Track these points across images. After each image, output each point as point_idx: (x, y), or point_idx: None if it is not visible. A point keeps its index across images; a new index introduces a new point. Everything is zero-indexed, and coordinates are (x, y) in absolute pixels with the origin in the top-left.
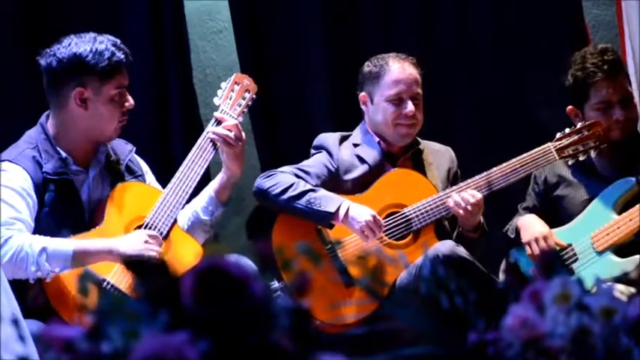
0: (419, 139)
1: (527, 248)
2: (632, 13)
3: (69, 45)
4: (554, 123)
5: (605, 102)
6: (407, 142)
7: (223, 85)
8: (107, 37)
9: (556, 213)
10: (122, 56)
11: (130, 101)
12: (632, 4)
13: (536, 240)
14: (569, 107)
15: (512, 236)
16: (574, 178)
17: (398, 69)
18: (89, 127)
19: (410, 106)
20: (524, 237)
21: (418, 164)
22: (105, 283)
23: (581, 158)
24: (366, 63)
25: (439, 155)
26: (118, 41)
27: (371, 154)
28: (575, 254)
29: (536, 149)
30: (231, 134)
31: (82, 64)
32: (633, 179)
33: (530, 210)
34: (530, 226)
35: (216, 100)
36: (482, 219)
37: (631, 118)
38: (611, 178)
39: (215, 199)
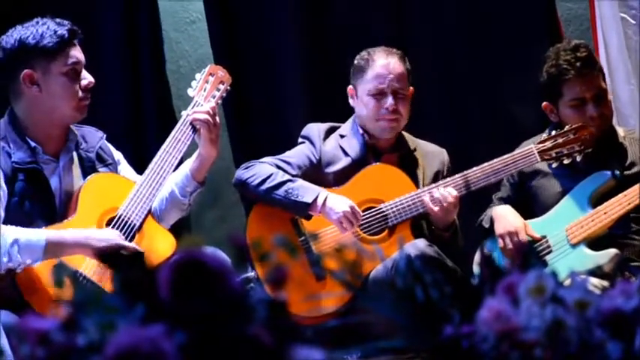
0: (411, 138)
1: (500, 241)
2: (605, 4)
3: (12, 33)
4: (529, 118)
5: (579, 99)
6: (390, 136)
7: (198, 76)
8: (50, 18)
9: (530, 204)
10: (65, 32)
11: (89, 78)
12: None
13: (509, 234)
14: (545, 103)
15: (487, 226)
16: (550, 169)
17: (381, 63)
18: (48, 108)
19: (390, 100)
20: (498, 229)
21: (406, 164)
22: (77, 275)
23: (565, 162)
24: (357, 56)
25: (430, 157)
26: (64, 21)
27: (355, 147)
28: (549, 246)
29: (518, 150)
30: (210, 118)
31: (25, 47)
32: (609, 173)
33: (504, 200)
34: (505, 219)
35: (190, 92)
36: (456, 220)
37: (605, 114)
38: (587, 170)
39: (191, 179)
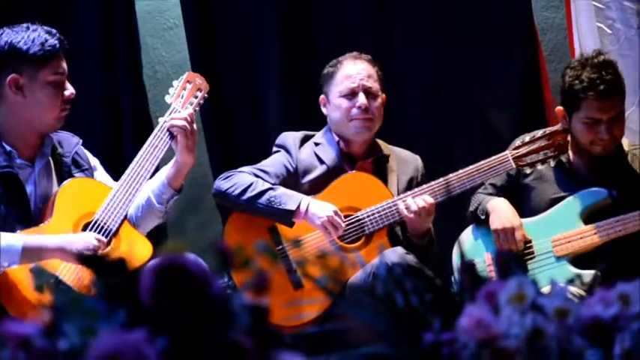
0: (385, 145)
1: (495, 237)
2: (582, 13)
3: (1, 35)
4: (505, 124)
5: (594, 119)
6: (365, 137)
7: (175, 83)
8: (41, 26)
9: (521, 201)
10: (56, 42)
11: (71, 90)
12: (582, 4)
13: (505, 230)
14: (559, 108)
15: (483, 218)
16: (550, 171)
17: (350, 65)
18: (29, 115)
19: (362, 98)
20: (494, 223)
21: (380, 170)
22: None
23: (539, 167)
24: (326, 66)
25: (404, 164)
26: (53, 30)
27: (329, 155)
28: (532, 252)
29: (493, 157)
30: (187, 124)
31: (14, 51)
32: (605, 191)
33: (497, 188)
34: (502, 214)
35: (167, 99)
36: (431, 228)
37: (615, 135)
38: (587, 181)
39: (168, 186)
